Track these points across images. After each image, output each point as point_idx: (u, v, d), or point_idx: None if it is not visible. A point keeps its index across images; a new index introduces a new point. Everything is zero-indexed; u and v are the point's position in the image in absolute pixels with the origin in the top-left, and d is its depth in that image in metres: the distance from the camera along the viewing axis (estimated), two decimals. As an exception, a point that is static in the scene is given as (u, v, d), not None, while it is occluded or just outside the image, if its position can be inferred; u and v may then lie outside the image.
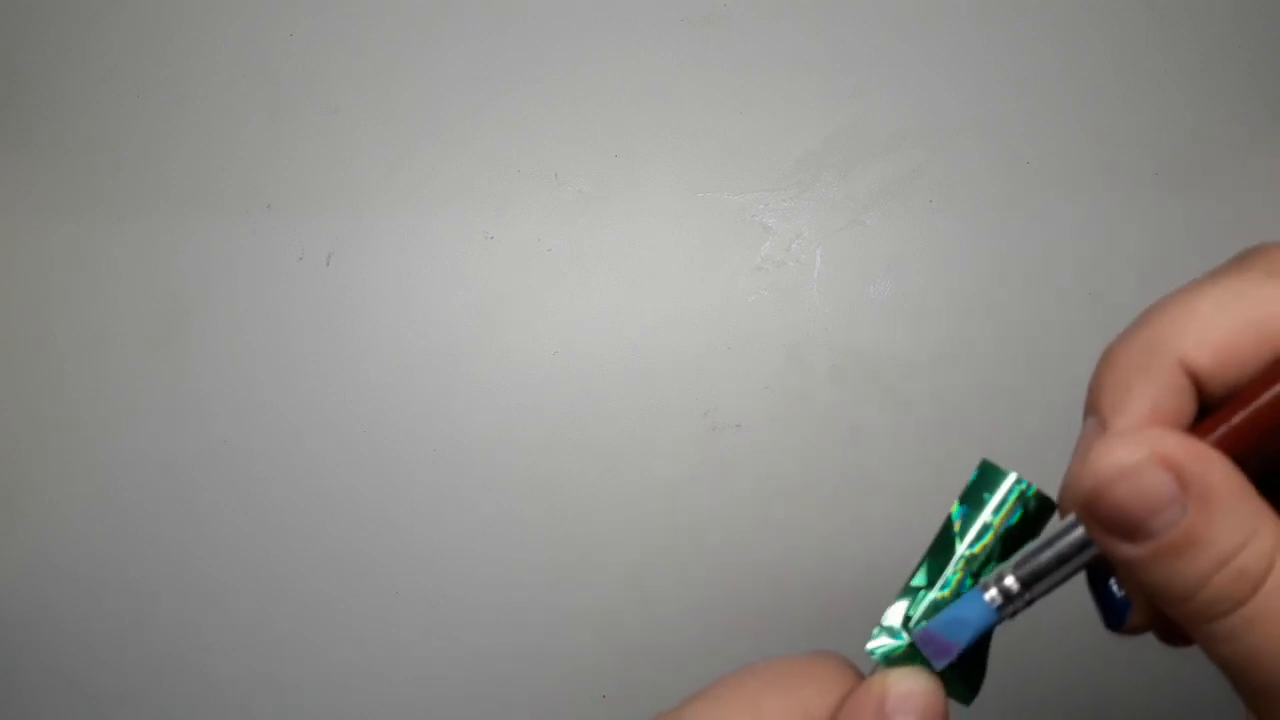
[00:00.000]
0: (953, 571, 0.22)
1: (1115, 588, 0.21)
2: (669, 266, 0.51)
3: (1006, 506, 0.22)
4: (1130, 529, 0.18)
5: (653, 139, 0.51)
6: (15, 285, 0.52)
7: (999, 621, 0.21)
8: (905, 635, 0.22)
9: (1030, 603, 0.21)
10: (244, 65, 0.52)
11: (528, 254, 0.51)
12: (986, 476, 0.22)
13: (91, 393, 0.51)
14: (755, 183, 0.51)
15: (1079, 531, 0.20)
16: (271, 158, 0.52)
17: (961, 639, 0.21)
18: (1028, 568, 0.20)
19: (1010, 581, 0.21)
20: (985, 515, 0.22)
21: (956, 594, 0.22)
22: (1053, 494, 0.22)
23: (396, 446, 0.50)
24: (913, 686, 0.20)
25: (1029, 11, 0.51)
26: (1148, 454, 0.18)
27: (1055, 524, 0.21)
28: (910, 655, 0.21)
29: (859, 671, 0.21)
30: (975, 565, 0.22)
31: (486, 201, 0.51)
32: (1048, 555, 0.20)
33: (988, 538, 0.22)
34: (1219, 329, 0.19)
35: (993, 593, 0.21)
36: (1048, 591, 0.21)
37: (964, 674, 0.22)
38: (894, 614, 0.22)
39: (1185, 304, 0.20)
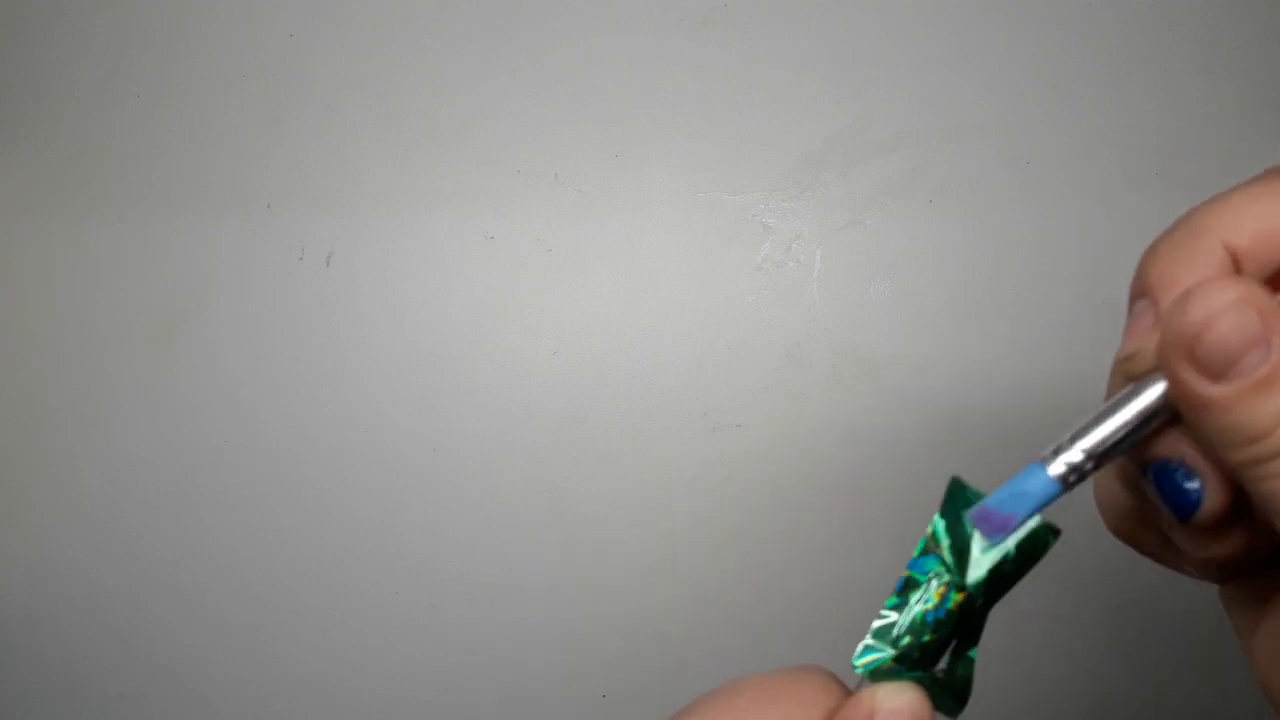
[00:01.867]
0: (936, 588, 0.22)
1: (1183, 480, 0.21)
2: (669, 266, 0.51)
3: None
4: (1224, 367, 0.19)
5: (653, 139, 0.51)
6: (15, 285, 0.52)
7: (1060, 495, 0.21)
8: (891, 649, 0.22)
9: (1084, 477, 0.21)
10: (244, 65, 0.52)
11: (528, 254, 0.51)
12: (959, 494, 0.22)
13: (91, 392, 0.51)
14: (755, 183, 0.51)
15: (1147, 398, 0.20)
16: (271, 158, 0.52)
17: (1020, 512, 0.21)
18: (1092, 438, 0.21)
19: (1074, 454, 0.21)
20: (962, 528, 0.22)
21: (938, 608, 0.22)
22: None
23: (396, 446, 0.50)
24: (900, 703, 0.20)
25: (1029, 11, 0.51)
26: (1241, 294, 0.19)
27: (1101, 401, 0.21)
28: (895, 670, 0.21)
29: (844, 686, 0.21)
30: (956, 579, 0.22)
31: (486, 201, 0.51)
32: (1113, 425, 0.21)
33: (969, 551, 0.22)
34: (1253, 216, 0.21)
35: (1056, 464, 0.21)
36: (1108, 462, 0.21)
37: (951, 685, 0.22)
38: (880, 626, 0.22)
39: (1220, 198, 0.22)
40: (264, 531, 0.50)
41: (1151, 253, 0.22)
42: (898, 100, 0.51)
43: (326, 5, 0.53)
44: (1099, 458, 0.21)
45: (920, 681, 0.21)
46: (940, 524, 0.22)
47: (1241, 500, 0.21)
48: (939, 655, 0.22)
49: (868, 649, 0.22)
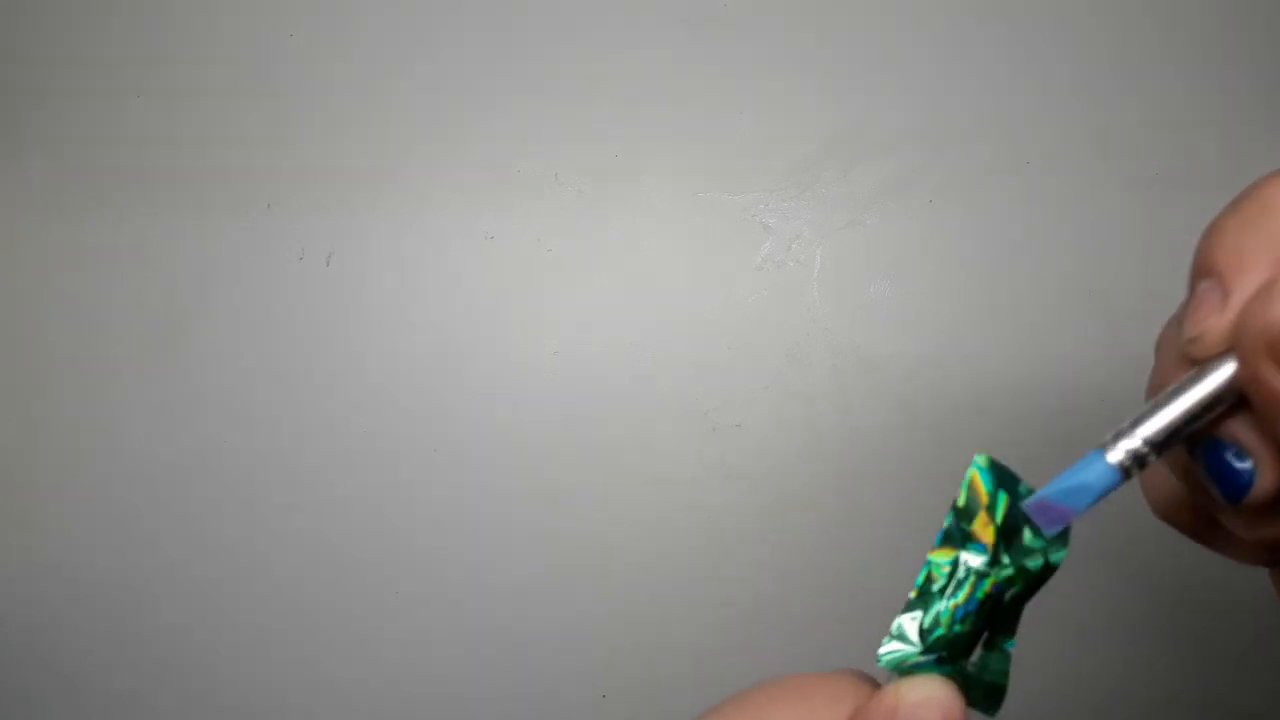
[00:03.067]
0: (962, 577, 0.21)
1: (1234, 460, 0.21)
2: (669, 266, 0.51)
3: (1003, 506, 0.21)
4: None
5: (653, 139, 0.51)
6: (15, 285, 0.52)
7: (1121, 484, 0.20)
8: (918, 642, 0.21)
9: (1144, 466, 0.20)
10: (244, 65, 0.52)
11: (528, 254, 0.51)
12: (984, 473, 0.22)
13: (90, 392, 0.51)
14: (755, 183, 0.51)
15: (1213, 383, 0.20)
16: (271, 158, 0.52)
17: (1080, 505, 0.21)
18: (1155, 426, 0.20)
19: (1135, 442, 0.20)
20: (985, 513, 0.21)
21: (967, 600, 0.21)
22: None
23: (396, 446, 0.50)
24: (927, 695, 0.20)
25: (1030, 11, 0.51)
26: None
27: (1167, 388, 0.21)
28: (923, 662, 0.21)
29: (875, 684, 0.21)
30: (981, 568, 0.21)
31: (486, 201, 0.51)
32: (1175, 413, 0.20)
33: (991, 538, 0.21)
34: None
35: (1116, 452, 0.20)
36: (1170, 449, 0.20)
37: (984, 680, 0.21)
38: (904, 621, 0.21)
39: None
40: (263, 531, 0.50)
41: (1218, 230, 0.21)
42: (898, 100, 0.51)
43: (326, 5, 0.53)
44: (1161, 445, 0.20)
45: (950, 676, 0.20)
46: (961, 508, 0.22)
47: None
48: (970, 648, 0.21)
49: (892, 643, 0.21)
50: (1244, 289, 0.20)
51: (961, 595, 0.21)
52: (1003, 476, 0.22)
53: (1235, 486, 0.21)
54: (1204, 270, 0.21)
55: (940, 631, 0.21)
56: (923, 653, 0.21)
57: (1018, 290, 0.50)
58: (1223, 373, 0.20)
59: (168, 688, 0.50)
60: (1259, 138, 0.50)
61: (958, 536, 0.21)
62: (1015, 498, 0.21)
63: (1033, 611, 0.22)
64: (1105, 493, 0.20)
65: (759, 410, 0.49)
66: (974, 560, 0.21)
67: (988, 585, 0.21)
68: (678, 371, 0.50)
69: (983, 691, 0.21)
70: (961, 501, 0.22)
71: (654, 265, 0.51)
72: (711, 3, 0.52)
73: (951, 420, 0.49)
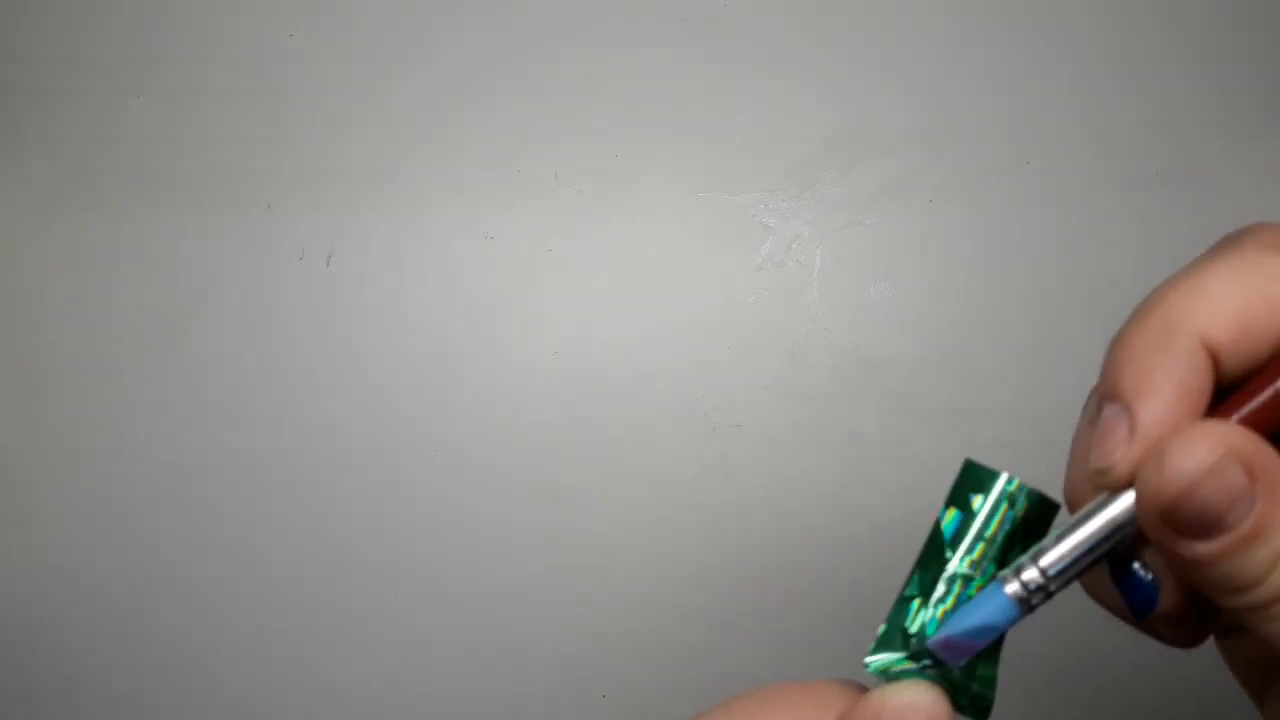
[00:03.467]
0: (946, 582, 0.21)
1: (1141, 572, 0.21)
2: (669, 267, 0.51)
3: (1000, 512, 0.21)
4: (1208, 527, 0.18)
5: (653, 139, 0.51)
6: (15, 285, 0.52)
7: (1021, 618, 0.20)
8: (903, 648, 0.21)
9: (1050, 596, 0.20)
10: (244, 65, 0.52)
11: (528, 254, 0.51)
12: (971, 477, 0.22)
13: (90, 392, 0.51)
14: (755, 183, 0.51)
15: (1105, 517, 0.20)
16: (271, 158, 0.52)
17: (982, 642, 0.20)
18: (1052, 558, 0.20)
19: (1032, 574, 0.20)
20: (977, 522, 0.21)
21: (952, 606, 0.21)
22: (1054, 492, 0.22)
23: (396, 446, 0.50)
24: (911, 700, 0.20)
25: (1030, 11, 0.51)
26: (1225, 450, 0.18)
27: (1065, 515, 0.21)
28: (910, 668, 0.21)
29: (865, 691, 0.21)
30: (970, 571, 0.21)
31: (486, 201, 0.51)
32: (1072, 545, 0.20)
33: (980, 546, 0.21)
34: (1231, 302, 0.19)
35: (1014, 587, 0.20)
36: (1071, 582, 0.20)
37: (972, 685, 0.21)
38: (889, 627, 0.21)
39: (1193, 282, 0.20)
40: (263, 531, 0.50)
41: (1123, 347, 0.20)
42: (898, 100, 0.51)
43: (326, 5, 0.53)
44: (1062, 575, 0.20)
45: (936, 682, 0.20)
46: (946, 515, 0.21)
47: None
48: None
49: (879, 650, 0.21)
50: (1150, 416, 0.19)
51: (948, 600, 0.21)
52: (987, 480, 0.21)
53: (1142, 601, 0.21)
54: (1110, 392, 0.20)
55: (925, 636, 0.21)
56: (909, 659, 0.21)
57: (1018, 290, 0.50)
58: (1127, 501, 0.20)
59: (168, 688, 0.50)
60: (1259, 138, 0.50)
61: (943, 542, 0.21)
62: (1004, 501, 0.21)
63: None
64: (1007, 626, 0.20)
65: (759, 410, 0.49)
66: (959, 566, 0.21)
67: (973, 591, 0.21)
68: (678, 371, 0.50)
69: (970, 698, 0.21)
70: (947, 507, 0.22)
71: (654, 265, 0.51)
72: (711, 3, 0.52)
73: (951, 420, 0.49)
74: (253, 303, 0.51)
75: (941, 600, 0.21)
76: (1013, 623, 0.20)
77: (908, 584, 0.21)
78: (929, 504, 0.22)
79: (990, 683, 0.21)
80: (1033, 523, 0.21)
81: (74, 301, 0.51)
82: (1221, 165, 0.50)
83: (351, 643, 0.50)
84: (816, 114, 0.51)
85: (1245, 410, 0.19)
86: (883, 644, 0.21)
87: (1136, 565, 0.21)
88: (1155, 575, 0.21)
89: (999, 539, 0.21)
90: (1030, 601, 0.20)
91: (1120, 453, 0.19)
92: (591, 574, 0.49)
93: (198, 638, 0.50)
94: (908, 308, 0.50)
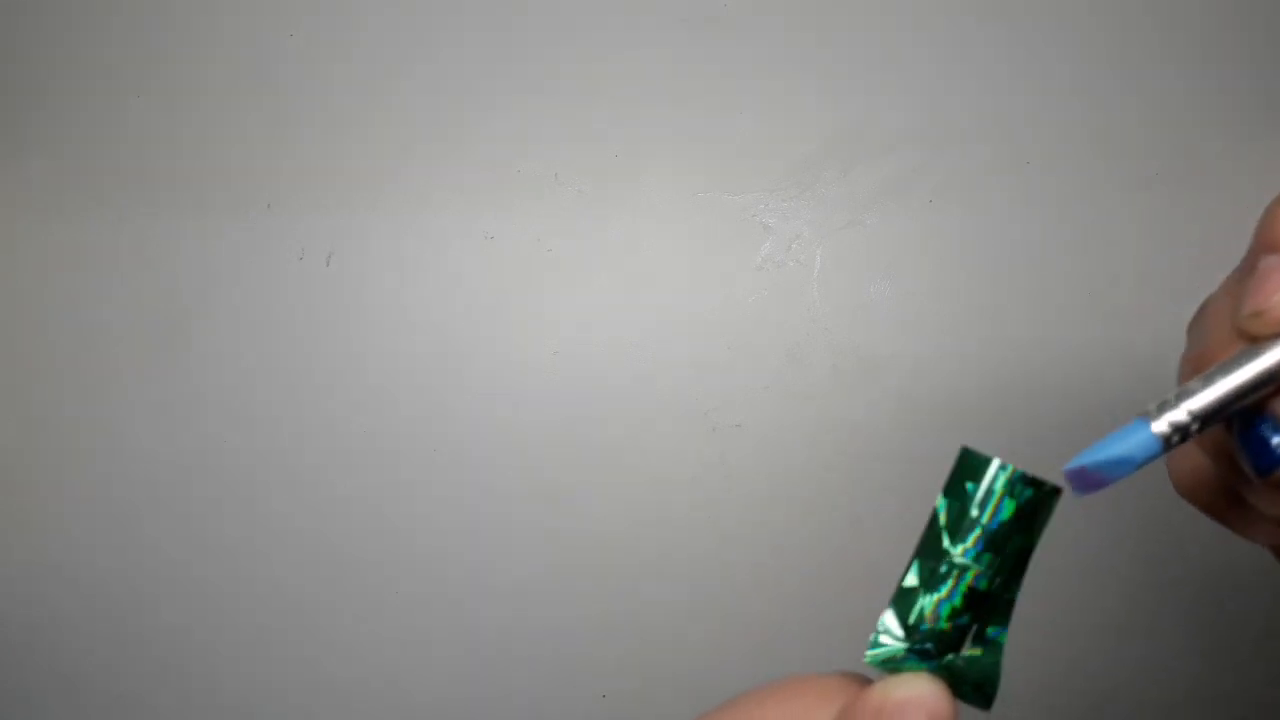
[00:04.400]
0: (945, 571, 0.21)
1: (1271, 434, 0.20)
2: (669, 266, 0.51)
3: (995, 498, 0.21)
4: None
5: (653, 139, 0.51)
6: (15, 285, 0.52)
7: (1161, 455, 0.20)
8: (905, 638, 0.21)
9: (1186, 438, 0.20)
10: (244, 65, 0.52)
11: (528, 254, 0.51)
12: (968, 464, 0.21)
13: (90, 392, 0.51)
14: (755, 183, 0.51)
15: (1260, 365, 0.20)
16: (271, 158, 0.52)
17: (1119, 474, 0.20)
18: (1202, 403, 0.20)
19: (1180, 415, 0.20)
20: (974, 510, 0.21)
21: (950, 595, 0.21)
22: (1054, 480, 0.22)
23: (396, 446, 0.50)
24: (912, 693, 0.19)
25: (1030, 11, 0.51)
26: None
27: (1217, 365, 0.20)
28: (911, 660, 0.21)
29: (868, 684, 0.21)
30: (969, 561, 0.21)
31: (486, 201, 0.51)
32: (1223, 391, 0.20)
33: (976, 530, 0.21)
34: None
35: (1161, 425, 0.20)
36: (1212, 425, 0.20)
37: (973, 674, 0.21)
38: (889, 618, 0.21)
39: None
40: (263, 531, 0.50)
41: None
42: (898, 100, 0.51)
43: (326, 5, 0.53)
44: (1207, 420, 0.20)
45: (937, 672, 0.20)
46: (944, 504, 0.21)
47: None
48: (959, 643, 0.21)
49: (878, 642, 0.21)
50: None
51: (945, 589, 0.21)
52: (983, 467, 0.21)
53: (1268, 460, 0.20)
54: (1268, 244, 0.20)
55: (925, 626, 0.21)
56: (909, 649, 0.21)
57: (1018, 290, 0.50)
58: (1277, 352, 0.20)
59: (168, 688, 0.50)
60: (1259, 138, 0.50)
61: (941, 530, 0.21)
62: (999, 487, 0.21)
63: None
64: (1145, 463, 0.20)
65: (759, 410, 0.49)
66: (958, 554, 0.21)
67: (970, 578, 0.21)
68: (678, 371, 0.50)
69: (972, 686, 0.21)
70: (944, 495, 0.22)
71: (654, 265, 0.51)
72: (711, 3, 0.52)
73: (951, 420, 0.49)
74: (253, 303, 0.51)
75: (938, 588, 0.21)
76: (1152, 458, 0.20)
77: (906, 573, 0.21)
78: (929, 504, 0.22)
79: (995, 666, 0.21)
80: (1031, 508, 0.21)
81: (74, 301, 0.51)
82: (1221, 165, 0.50)
83: (351, 643, 0.50)
84: (816, 114, 0.51)
85: None
86: (882, 634, 0.21)
87: (1266, 423, 0.21)
88: None
89: (996, 526, 0.21)
90: (1171, 440, 0.20)
91: (1277, 298, 0.19)
92: (591, 574, 0.49)
93: (198, 638, 0.50)
94: (908, 308, 0.50)
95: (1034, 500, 0.21)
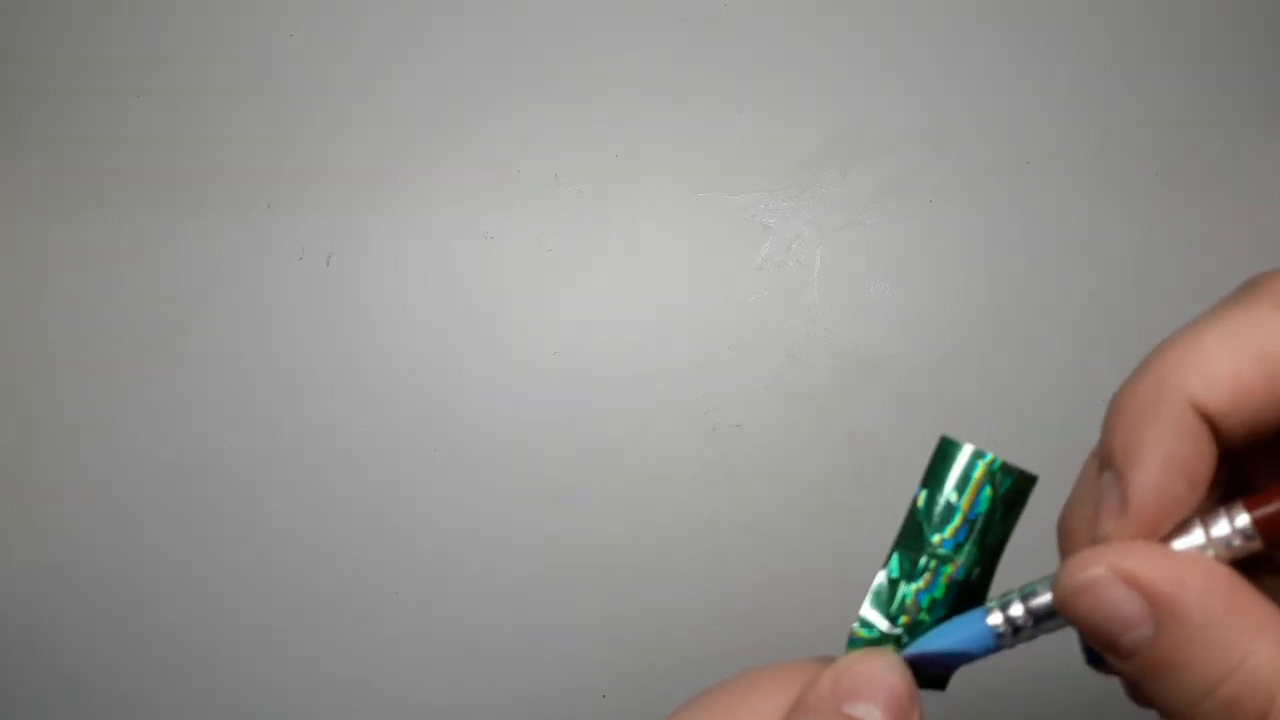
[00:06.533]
0: (924, 561, 0.21)
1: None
2: (669, 266, 0.50)
3: (971, 485, 0.21)
4: (1105, 647, 0.18)
5: (653, 139, 0.51)
6: (15, 285, 0.52)
7: (997, 650, 0.20)
8: (885, 631, 0.21)
9: (1032, 638, 0.20)
10: (244, 65, 0.52)
11: (528, 254, 0.51)
12: (947, 454, 0.21)
13: (90, 393, 0.51)
14: (755, 183, 0.51)
15: None
16: (271, 158, 0.52)
17: (954, 664, 0.20)
18: (1040, 604, 0.19)
19: (1017, 611, 0.20)
20: (953, 499, 0.21)
21: (930, 585, 0.21)
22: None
23: (396, 446, 0.50)
24: (868, 667, 0.19)
25: (1030, 11, 0.51)
26: (1103, 570, 0.17)
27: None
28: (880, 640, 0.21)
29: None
30: (948, 552, 0.21)
31: (486, 201, 0.51)
32: (1047, 600, 0.19)
33: (955, 520, 0.21)
34: (1228, 365, 0.18)
35: (996, 619, 0.20)
36: (1052, 630, 0.20)
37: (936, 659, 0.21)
38: (868, 610, 0.21)
39: (1191, 342, 0.18)
40: (263, 531, 0.50)
41: (1115, 410, 0.19)
42: (898, 100, 0.51)
43: (326, 5, 0.53)
44: (1043, 618, 0.19)
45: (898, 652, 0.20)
46: (924, 494, 0.21)
47: None
48: None
49: (858, 636, 0.21)
50: (1139, 488, 0.18)
51: (924, 579, 0.21)
52: (961, 457, 0.21)
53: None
54: (1104, 459, 0.19)
55: (905, 617, 0.21)
56: (888, 639, 0.21)
57: (1018, 290, 0.50)
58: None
59: (168, 688, 0.50)
60: (1259, 138, 0.50)
61: (920, 520, 0.21)
62: (979, 476, 0.21)
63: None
64: (981, 655, 0.20)
65: (759, 410, 0.49)
66: (936, 545, 0.21)
67: (950, 570, 0.21)
68: (678, 371, 0.50)
69: (933, 671, 0.21)
70: (924, 485, 0.22)
71: (654, 265, 0.51)
72: (711, 3, 0.52)
73: (951, 420, 0.49)
74: (253, 303, 0.51)
75: (917, 578, 0.21)
76: (988, 653, 0.20)
77: (886, 564, 0.22)
78: (929, 504, 0.22)
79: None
80: (1010, 497, 0.21)
81: (74, 301, 0.51)
82: (1221, 165, 0.50)
83: (351, 643, 0.50)
84: (816, 114, 0.51)
85: (1264, 511, 0.18)
86: (862, 627, 0.21)
87: None
88: None
89: (976, 515, 0.21)
90: (1008, 639, 0.20)
91: (1111, 525, 0.19)
92: (591, 574, 0.49)
93: (198, 638, 0.50)
94: (908, 308, 0.50)
95: (1013, 489, 0.21)
